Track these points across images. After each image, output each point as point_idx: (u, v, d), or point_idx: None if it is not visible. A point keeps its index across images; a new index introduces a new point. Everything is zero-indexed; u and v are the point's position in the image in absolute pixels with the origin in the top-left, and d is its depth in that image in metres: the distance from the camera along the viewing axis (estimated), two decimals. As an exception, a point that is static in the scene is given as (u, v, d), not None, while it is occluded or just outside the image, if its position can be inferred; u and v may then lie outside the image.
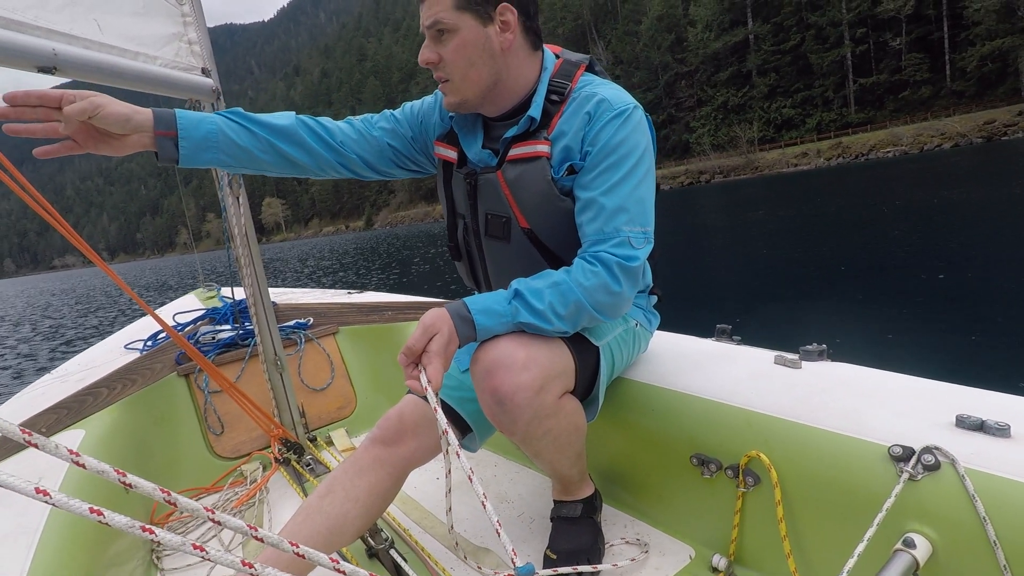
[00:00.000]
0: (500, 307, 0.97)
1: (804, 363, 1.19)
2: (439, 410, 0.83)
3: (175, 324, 2.34)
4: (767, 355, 1.26)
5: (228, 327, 2.16)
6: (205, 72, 1.28)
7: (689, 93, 63.38)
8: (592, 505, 1.26)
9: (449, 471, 0.93)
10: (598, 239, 1.01)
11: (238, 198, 1.51)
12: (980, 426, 0.86)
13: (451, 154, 1.18)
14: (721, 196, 31.54)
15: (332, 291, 3.10)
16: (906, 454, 0.85)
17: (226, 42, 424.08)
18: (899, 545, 0.82)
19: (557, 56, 1.14)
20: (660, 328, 1.45)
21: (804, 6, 54.78)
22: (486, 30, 1.02)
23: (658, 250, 1.23)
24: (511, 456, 1.75)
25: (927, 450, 0.84)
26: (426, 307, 2.30)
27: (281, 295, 2.95)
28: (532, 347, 0.98)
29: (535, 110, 1.06)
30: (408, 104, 1.27)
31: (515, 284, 0.98)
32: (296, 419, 1.94)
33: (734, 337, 1.43)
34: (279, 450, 1.86)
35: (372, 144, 1.22)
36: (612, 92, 1.05)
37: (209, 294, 3.32)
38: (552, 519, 1.26)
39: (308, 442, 1.95)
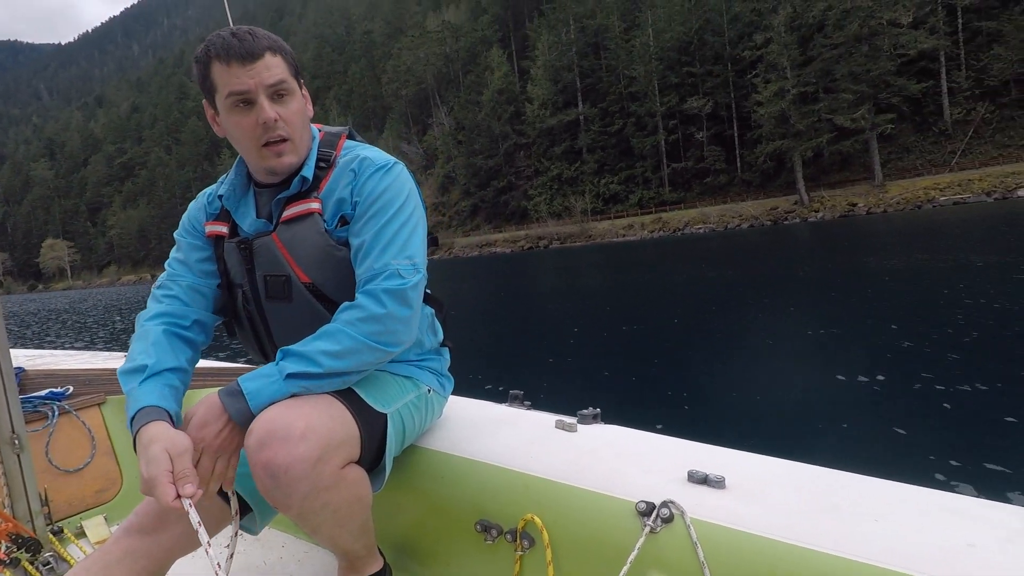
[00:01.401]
0: (267, 369, 0.98)
1: (580, 426, 1.26)
2: (220, 503, 0.85)
3: None
4: (550, 419, 1.31)
5: None
6: None
7: (527, 163, 66.78)
8: None
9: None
10: (368, 277, 1.04)
11: None
12: (704, 480, 0.96)
13: (222, 229, 1.20)
14: (554, 261, 33.19)
15: (106, 354, 2.64)
16: (648, 509, 0.94)
17: (8, 60, 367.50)
18: None
19: (320, 130, 1.23)
20: (458, 392, 1.46)
21: (625, 96, 61.36)
22: (302, 99, 1.13)
23: (446, 305, 1.35)
24: (301, 535, 1.61)
25: (664, 504, 0.93)
26: (225, 373, 2.02)
27: (34, 359, 2.48)
28: (312, 416, 0.96)
29: (307, 171, 1.12)
30: (179, 234, 1.25)
31: (280, 351, 1.00)
32: (35, 509, 1.60)
33: (525, 402, 1.46)
34: (6, 549, 1.54)
35: (209, 296, 1.22)
36: (373, 152, 1.16)
37: None
38: None
39: (51, 536, 1.64)
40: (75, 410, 1.89)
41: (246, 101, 1.05)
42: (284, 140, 1.08)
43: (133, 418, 0.97)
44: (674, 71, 57.24)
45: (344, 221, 1.11)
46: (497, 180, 67.14)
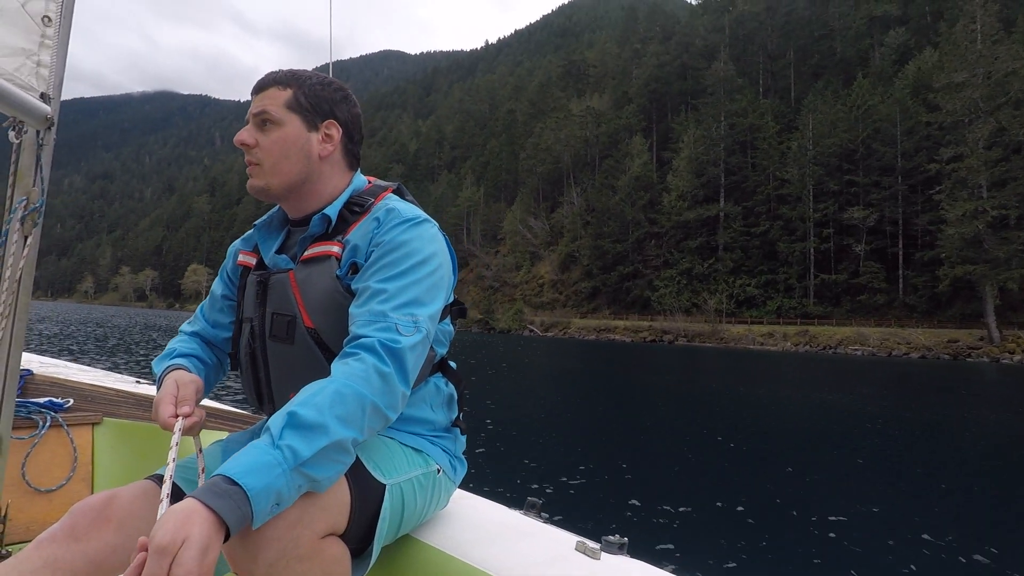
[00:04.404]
0: (268, 455, 0.76)
1: (604, 554, 1.09)
2: None
3: None
4: (570, 539, 1.14)
5: None
6: (44, 97, 1.12)
7: (657, 253, 64.21)
8: None
9: None
10: (364, 321, 0.95)
11: (27, 237, 1.15)
12: None
13: (251, 260, 1.20)
14: (677, 358, 30.59)
15: (119, 375, 2.52)
16: None
17: (196, 111, 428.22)
18: None
19: (369, 181, 1.22)
20: (467, 486, 1.36)
21: (773, 198, 57.98)
22: (309, 135, 1.11)
23: (464, 384, 1.26)
24: None
25: None
26: (229, 419, 1.80)
27: (46, 366, 2.35)
28: None
29: (331, 210, 1.10)
30: (223, 265, 1.30)
31: (271, 424, 0.80)
32: None
33: (542, 514, 1.33)
34: None
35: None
36: (405, 206, 1.11)
37: None
38: None
39: None
40: (67, 425, 1.79)
41: None
42: (255, 164, 1.10)
43: (161, 378, 1.09)
44: (833, 178, 53.44)
45: (355, 269, 1.05)
46: (623, 266, 64.91)
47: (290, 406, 0.81)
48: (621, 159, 71.50)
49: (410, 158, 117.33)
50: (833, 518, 5.10)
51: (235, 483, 0.71)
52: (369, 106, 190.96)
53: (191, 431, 1.00)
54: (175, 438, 0.90)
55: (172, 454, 0.85)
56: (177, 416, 0.96)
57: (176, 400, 1.00)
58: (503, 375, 17.28)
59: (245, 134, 1.10)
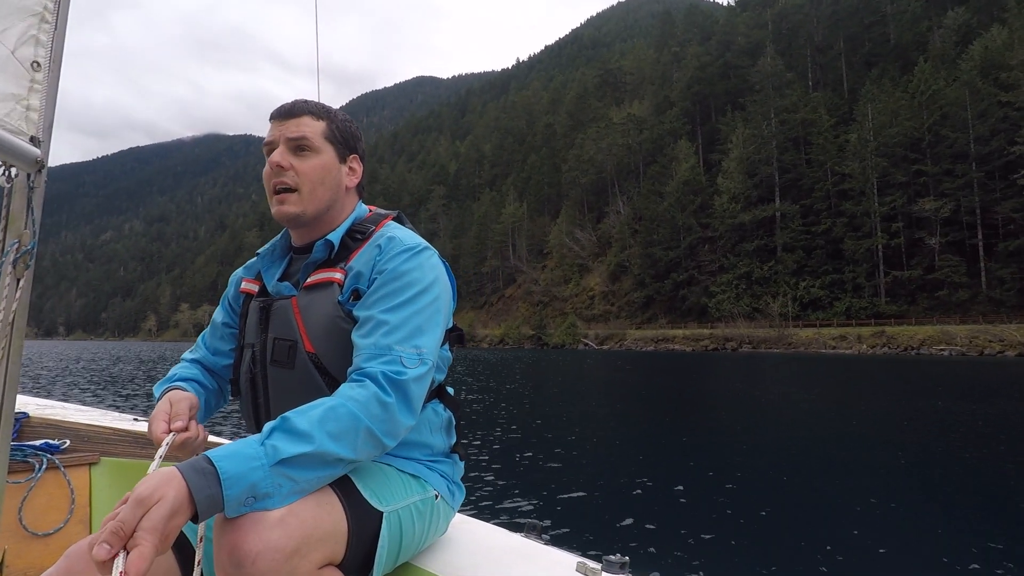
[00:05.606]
0: (251, 448, 0.80)
1: (605, 575, 1.10)
2: None
3: None
4: (571, 560, 1.13)
5: None
6: (34, 141, 1.13)
7: (712, 258, 62.12)
8: None
9: None
10: (369, 355, 0.98)
11: (19, 280, 1.14)
12: None
13: (253, 287, 1.22)
14: (742, 366, 28.65)
15: (116, 414, 2.44)
16: None
17: (241, 149, 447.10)
18: None
19: (370, 209, 1.26)
20: (480, 511, 1.44)
21: (834, 194, 55.30)
22: (340, 166, 1.17)
23: (461, 410, 1.28)
24: None
25: None
26: None
27: (43, 408, 2.30)
28: None
29: (334, 236, 1.13)
30: (224, 294, 1.32)
31: (265, 425, 0.86)
32: None
33: (543, 536, 1.32)
34: None
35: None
36: (406, 233, 1.15)
37: None
38: None
39: None
40: (64, 466, 1.76)
41: (272, 151, 1.13)
42: (290, 190, 1.11)
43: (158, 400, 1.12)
44: (899, 169, 50.59)
45: (357, 295, 1.07)
46: (676, 273, 62.98)
47: (287, 413, 0.85)
48: (667, 164, 69.88)
49: (450, 179, 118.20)
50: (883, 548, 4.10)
51: (213, 465, 0.75)
52: (406, 131, 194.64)
53: (185, 447, 1.00)
54: (160, 451, 0.89)
55: (153, 466, 0.84)
56: (169, 431, 0.98)
57: (169, 416, 1.02)
58: (531, 392, 16.25)
59: (282, 157, 1.10)
